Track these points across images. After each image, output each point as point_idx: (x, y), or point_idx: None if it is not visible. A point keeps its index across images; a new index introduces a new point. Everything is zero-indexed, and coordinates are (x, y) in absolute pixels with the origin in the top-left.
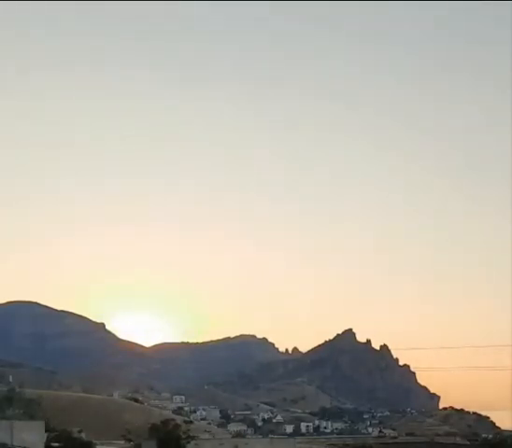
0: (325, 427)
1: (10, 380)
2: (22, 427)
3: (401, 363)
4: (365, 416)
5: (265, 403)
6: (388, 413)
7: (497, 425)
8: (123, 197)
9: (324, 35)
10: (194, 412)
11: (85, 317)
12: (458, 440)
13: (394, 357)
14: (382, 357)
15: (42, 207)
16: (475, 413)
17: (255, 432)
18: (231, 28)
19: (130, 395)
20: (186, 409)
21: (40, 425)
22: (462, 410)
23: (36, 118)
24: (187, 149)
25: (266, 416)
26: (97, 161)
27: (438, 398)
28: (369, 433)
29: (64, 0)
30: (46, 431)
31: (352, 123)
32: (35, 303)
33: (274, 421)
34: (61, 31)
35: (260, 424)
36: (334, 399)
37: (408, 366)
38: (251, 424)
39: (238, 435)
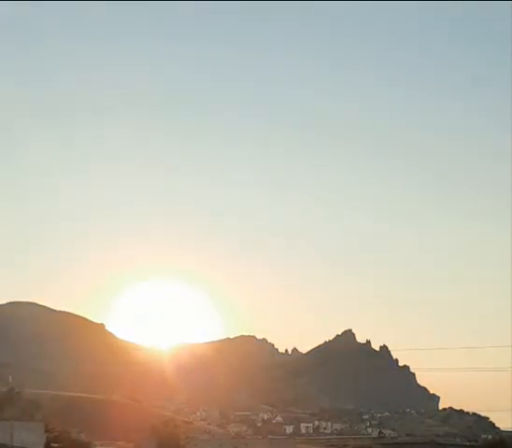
0: (325, 428)
1: (10, 380)
2: (22, 427)
3: (400, 364)
4: (365, 417)
5: (265, 404)
6: (387, 414)
7: (496, 425)
8: (125, 199)
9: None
10: (194, 412)
11: (84, 318)
12: (458, 440)
13: (394, 357)
14: (382, 358)
15: (42, 207)
16: (474, 414)
17: (255, 433)
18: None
19: (130, 395)
20: (186, 409)
21: (40, 425)
22: (461, 410)
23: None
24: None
25: (266, 417)
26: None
27: (438, 398)
28: (369, 434)
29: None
30: (45, 432)
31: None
32: (35, 303)
33: (274, 421)
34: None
35: (259, 424)
36: (334, 399)
37: (408, 367)
38: (251, 424)
39: (238, 435)
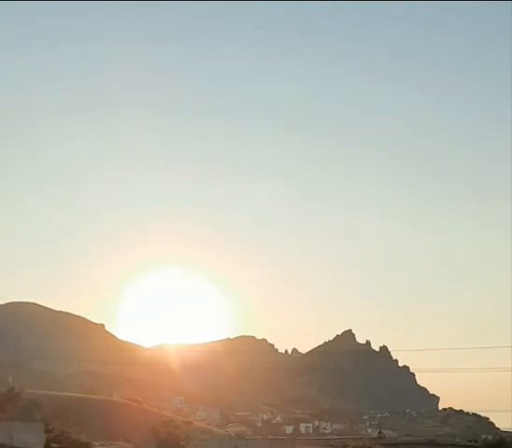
0: (325, 428)
1: (10, 381)
2: (22, 428)
3: (400, 364)
4: (365, 417)
5: (265, 404)
6: (387, 414)
7: (496, 425)
8: (125, 198)
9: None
10: (194, 412)
11: (84, 318)
12: (457, 440)
13: (394, 358)
14: (382, 358)
15: (41, 207)
16: (474, 414)
17: (255, 433)
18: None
19: (129, 396)
20: (185, 410)
21: (40, 426)
22: (461, 411)
23: None
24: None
25: (266, 417)
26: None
27: (438, 399)
28: (368, 434)
29: None
30: (45, 432)
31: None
32: (35, 304)
33: (273, 422)
34: None
35: (260, 424)
36: (334, 399)
37: (408, 367)
38: (251, 424)
39: (238, 436)
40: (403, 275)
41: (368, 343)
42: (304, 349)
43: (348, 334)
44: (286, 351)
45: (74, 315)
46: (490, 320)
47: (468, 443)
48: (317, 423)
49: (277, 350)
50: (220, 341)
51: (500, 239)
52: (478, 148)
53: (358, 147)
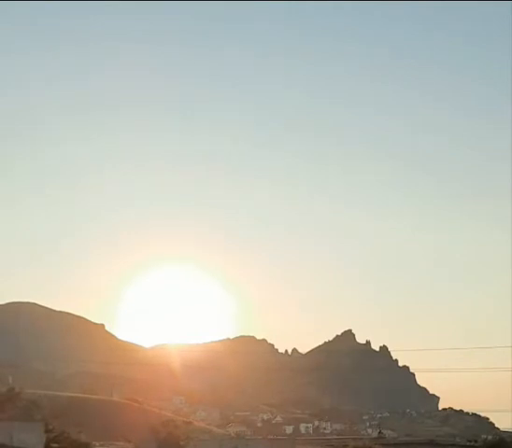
0: (325, 428)
1: (10, 381)
2: (22, 428)
3: (400, 364)
4: (365, 417)
5: (265, 404)
6: (387, 414)
7: (496, 425)
8: (126, 198)
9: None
10: (194, 412)
11: (84, 318)
12: (457, 440)
13: (394, 358)
14: (382, 358)
15: (41, 207)
16: (474, 414)
17: (255, 433)
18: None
19: (130, 395)
20: (185, 410)
21: (40, 426)
22: (461, 411)
23: None
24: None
25: (266, 417)
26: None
27: (438, 399)
28: (368, 434)
29: None
30: (45, 432)
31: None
32: (35, 304)
33: (273, 422)
34: None
35: (260, 424)
36: (334, 400)
37: (408, 367)
38: (251, 424)
39: (238, 436)
40: (403, 275)
41: (368, 342)
42: (304, 349)
43: (348, 334)
44: (286, 351)
45: (74, 315)
46: (490, 320)
47: (468, 443)
48: (317, 423)
49: (277, 350)
50: (220, 341)
51: (500, 239)
52: (478, 148)
53: (358, 146)
